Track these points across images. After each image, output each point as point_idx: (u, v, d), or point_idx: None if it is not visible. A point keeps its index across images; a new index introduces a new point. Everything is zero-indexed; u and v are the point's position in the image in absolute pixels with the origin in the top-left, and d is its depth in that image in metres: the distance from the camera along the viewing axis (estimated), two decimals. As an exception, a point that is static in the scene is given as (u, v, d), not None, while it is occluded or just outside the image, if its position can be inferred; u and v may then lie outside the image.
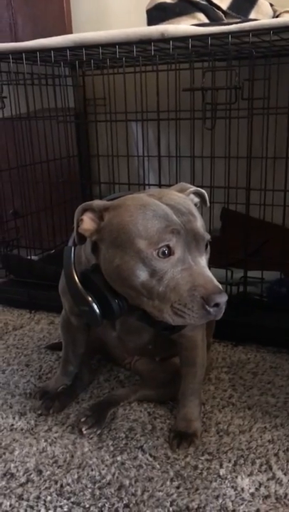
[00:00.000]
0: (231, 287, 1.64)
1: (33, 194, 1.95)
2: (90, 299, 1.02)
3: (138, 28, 1.45)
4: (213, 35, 1.36)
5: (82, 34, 1.53)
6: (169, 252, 0.93)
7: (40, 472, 1.08)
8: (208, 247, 1.00)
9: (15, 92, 1.86)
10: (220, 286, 0.93)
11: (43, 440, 1.18)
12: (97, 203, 1.00)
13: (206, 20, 1.58)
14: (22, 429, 1.23)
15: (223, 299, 0.91)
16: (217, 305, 0.91)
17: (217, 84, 1.45)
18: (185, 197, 1.04)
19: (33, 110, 1.97)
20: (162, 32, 1.39)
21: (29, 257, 1.99)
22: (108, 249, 0.98)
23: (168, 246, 0.92)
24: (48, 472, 1.08)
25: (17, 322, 1.83)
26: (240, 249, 1.65)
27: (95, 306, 1.01)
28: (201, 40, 1.41)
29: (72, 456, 1.12)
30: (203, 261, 0.97)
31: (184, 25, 1.41)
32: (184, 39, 1.39)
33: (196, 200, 1.11)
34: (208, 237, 0.99)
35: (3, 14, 2.27)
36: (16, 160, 1.94)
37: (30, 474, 1.07)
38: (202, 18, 1.60)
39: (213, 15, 1.62)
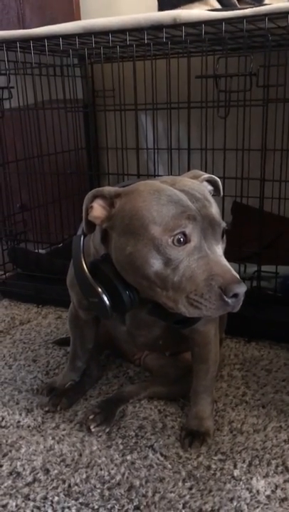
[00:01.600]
0: (244, 282, 1.59)
1: (41, 187, 1.91)
2: (99, 289, 0.97)
3: (150, 13, 1.40)
4: (227, 20, 1.31)
5: (92, 20, 1.49)
6: (185, 240, 0.88)
7: (47, 471, 1.04)
8: (225, 236, 0.96)
9: (22, 83, 1.82)
10: (238, 276, 0.88)
11: (50, 438, 1.14)
12: (108, 189, 0.96)
13: (219, 7, 1.53)
14: (29, 426, 1.19)
15: (242, 289, 0.86)
16: (236, 295, 0.86)
17: (230, 71, 1.40)
18: (199, 183, 1.00)
19: (40, 101, 1.94)
20: (174, 17, 1.35)
21: (36, 251, 1.96)
22: (120, 237, 0.93)
23: (184, 233, 0.88)
24: (56, 471, 1.04)
25: (24, 316, 1.79)
26: (252, 243, 1.61)
27: (105, 298, 0.97)
28: (215, 26, 1.36)
29: (80, 455, 1.09)
30: (219, 249, 0.92)
31: (197, 10, 1.36)
32: (196, 24, 1.35)
33: (210, 188, 1.06)
34: (224, 224, 0.94)
35: (11, 4, 2.23)
36: (24, 152, 1.90)
37: (37, 473, 1.04)
38: (215, 4, 1.55)
39: (227, 1, 1.57)
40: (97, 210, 0.96)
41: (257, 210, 1.58)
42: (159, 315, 1.01)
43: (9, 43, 1.62)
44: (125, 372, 1.42)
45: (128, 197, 0.94)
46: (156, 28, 1.39)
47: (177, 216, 0.88)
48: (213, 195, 1.01)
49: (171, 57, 1.53)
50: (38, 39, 1.56)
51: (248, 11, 1.28)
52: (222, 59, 1.38)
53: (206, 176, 1.04)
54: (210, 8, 1.51)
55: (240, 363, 1.44)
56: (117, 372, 1.42)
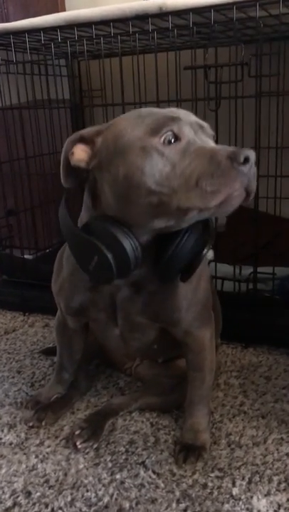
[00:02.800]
0: (240, 284, 1.53)
1: (27, 190, 1.83)
2: (98, 244, 0.86)
3: (134, 2, 1.33)
4: (216, 7, 1.24)
5: (74, 11, 1.42)
6: (176, 138, 0.81)
7: (28, 494, 0.95)
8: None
9: (5, 82, 1.75)
10: None
11: (33, 456, 1.06)
12: (86, 130, 0.89)
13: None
14: (11, 444, 1.11)
15: (251, 153, 0.78)
16: (247, 160, 0.78)
17: (220, 62, 1.34)
18: None
19: (25, 101, 1.87)
20: (160, 5, 1.28)
21: (23, 257, 1.88)
22: (110, 168, 0.85)
23: (172, 131, 0.81)
24: (38, 494, 0.95)
25: (9, 325, 1.71)
26: (248, 244, 1.54)
27: (107, 252, 0.85)
28: (203, 15, 1.29)
29: (65, 475, 1.00)
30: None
31: (184, -2, 1.29)
32: (183, 13, 1.28)
33: None
34: (212, 132, 0.88)
35: (-6, 2, 2.16)
36: (8, 153, 1.82)
37: (18, 497, 0.95)
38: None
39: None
40: (79, 154, 0.89)
41: (252, 210, 1.50)
42: (164, 272, 0.92)
43: (-11, 40, 1.55)
44: (115, 382, 1.34)
45: (110, 127, 0.88)
46: (142, 17, 1.32)
47: (160, 119, 0.82)
48: None
49: (160, 52, 1.46)
50: (18, 33, 1.48)
51: (238, -4, 1.21)
52: (211, 49, 1.31)
53: None
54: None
55: (238, 371, 1.36)
56: (107, 383, 1.34)
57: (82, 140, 0.89)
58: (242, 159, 0.77)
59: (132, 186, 0.82)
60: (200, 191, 0.78)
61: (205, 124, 0.88)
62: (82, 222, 0.95)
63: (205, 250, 0.93)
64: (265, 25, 1.32)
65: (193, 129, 0.84)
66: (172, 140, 0.81)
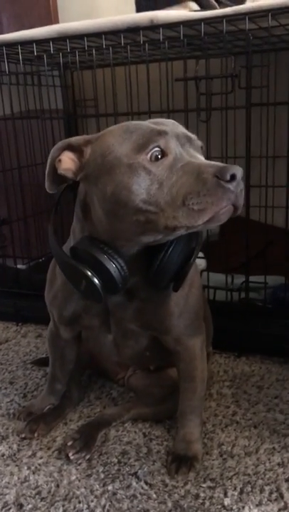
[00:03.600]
0: (232, 293, 1.53)
1: (20, 200, 1.83)
2: (84, 270, 0.88)
3: (126, 15, 1.35)
4: (206, 20, 1.26)
5: (66, 24, 1.43)
6: (162, 154, 0.81)
7: (20, 506, 0.95)
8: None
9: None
10: None
11: (25, 467, 1.05)
12: (75, 138, 0.89)
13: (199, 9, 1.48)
14: (3, 455, 1.10)
15: (238, 170, 0.78)
16: (233, 177, 0.78)
17: (212, 73, 1.35)
18: None
19: (18, 111, 1.88)
20: (151, 18, 1.29)
21: (15, 266, 1.87)
22: (97, 184, 0.85)
23: (159, 147, 0.81)
24: (30, 506, 0.95)
25: (2, 336, 1.70)
26: (240, 253, 1.54)
27: (91, 275, 0.87)
28: (193, 27, 1.30)
29: (57, 486, 1.00)
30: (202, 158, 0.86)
31: (175, 11, 1.31)
32: (174, 26, 1.29)
33: None
34: (201, 143, 0.88)
35: (-12, 14, 2.17)
36: (1, 163, 1.83)
37: (10, 509, 0.94)
38: (194, 7, 1.50)
39: (206, 4, 1.52)
40: (67, 162, 0.89)
41: (244, 219, 1.51)
42: (153, 281, 0.93)
43: (-18, 51, 1.56)
44: (108, 393, 1.34)
45: (98, 139, 0.88)
46: (133, 30, 1.33)
47: (147, 134, 0.82)
48: None
49: (152, 63, 1.47)
50: (11, 45, 1.50)
51: (228, 9, 1.23)
52: (202, 60, 1.32)
53: None
54: (189, 10, 1.46)
55: (230, 380, 1.36)
56: (100, 393, 1.34)
57: (70, 148, 0.89)
58: (228, 177, 0.77)
59: (120, 204, 0.82)
60: (187, 210, 0.79)
61: (193, 136, 0.87)
62: (75, 236, 0.96)
63: (193, 258, 0.93)
64: (254, 37, 1.34)
65: (180, 142, 0.84)
66: (159, 156, 0.81)
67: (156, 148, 0.81)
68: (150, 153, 0.81)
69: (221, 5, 1.53)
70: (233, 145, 1.49)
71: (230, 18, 1.24)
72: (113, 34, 1.37)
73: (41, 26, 1.48)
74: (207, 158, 1.30)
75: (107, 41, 1.41)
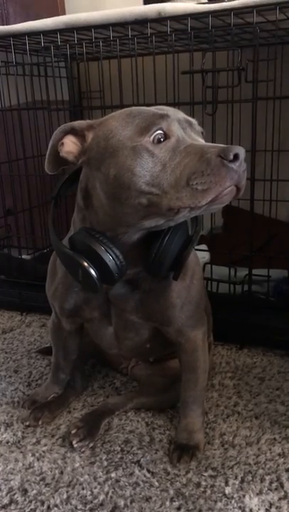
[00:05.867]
0: (235, 286, 1.54)
1: (26, 190, 1.84)
2: (80, 260, 0.90)
3: (133, 7, 1.35)
4: (214, 13, 1.26)
5: (74, 15, 1.43)
6: (165, 136, 0.82)
7: (25, 491, 0.97)
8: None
9: (5, 83, 1.76)
10: None
11: (30, 454, 1.07)
12: (78, 122, 0.91)
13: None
14: (8, 442, 1.12)
15: (240, 150, 0.79)
16: (236, 157, 0.78)
17: (218, 66, 1.35)
18: None
19: (24, 102, 1.88)
20: (159, 10, 1.29)
21: (20, 257, 1.89)
22: (100, 167, 0.86)
23: (162, 130, 0.82)
24: (34, 491, 0.97)
25: (7, 325, 1.72)
26: (243, 246, 1.55)
27: (88, 266, 0.89)
28: (201, 20, 1.30)
29: (61, 473, 1.02)
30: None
31: (183, 3, 1.30)
32: (182, 18, 1.29)
33: None
34: (201, 129, 0.89)
35: (-6, 4, 2.17)
36: (7, 154, 1.83)
37: (14, 494, 0.96)
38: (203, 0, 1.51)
39: (215, -4, 1.52)
40: (69, 145, 0.90)
41: (248, 213, 1.52)
42: (154, 270, 0.94)
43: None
44: (112, 382, 1.35)
45: (101, 124, 0.89)
46: (141, 22, 1.33)
47: (150, 117, 0.83)
48: None
49: (158, 55, 1.47)
50: (19, 36, 1.50)
51: (236, 2, 1.22)
52: (209, 53, 1.32)
53: None
54: (197, 3, 1.46)
55: (232, 371, 1.37)
56: (103, 382, 1.35)
57: (73, 132, 0.90)
58: (231, 157, 0.78)
59: (123, 187, 0.83)
60: (190, 190, 0.79)
61: (193, 121, 0.89)
62: (75, 227, 0.98)
63: (190, 245, 0.94)
64: (262, 30, 1.34)
65: (181, 126, 0.85)
66: (162, 139, 0.82)
67: (159, 131, 0.82)
68: (153, 136, 0.82)
69: (229, -2, 1.54)
70: (238, 138, 1.49)
71: (237, 11, 1.24)
72: (120, 26, 1.37)
73: (48, 17, 1.48)
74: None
75: (114, 33, 1.41)
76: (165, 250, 0.91)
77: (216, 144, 0.82)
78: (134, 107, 0.89)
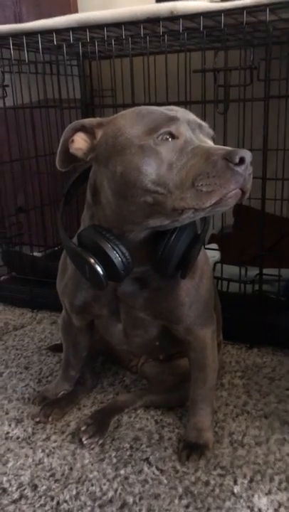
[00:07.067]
0: (245, 285, 1.54)
1: (37, 188, 1.85)
2: (87, 257, 0.91)
3: (146, 5, 1.35)
4: (226, 12, 1.25)
5: (86, 13, 1.43)
6: (173, 137, 0.83)
7: (35, 487, 0.98)
8: None
9: (18, 81, 1.77)
10: None
11: (40, 450, 1.08)
12: (89, 120, 0.92)
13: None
14: (18, 438, 1.13)
15: (247, 153, 0.79)
16: (242, 160, 0.78)
17: (230, 66, 1.35)
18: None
19: (36, 100, 1.89)
20: (171, 9, 1.29)
21: (32, 254, 1.90)
22: (108, 164, 0.87)
23: (170, 131, 0.83)
24: (44, 487, 0.98)
25: (18, 322, 1.73)
26: (254, 245, 1.55)
27: (94, 263, 0.90)
28: (213, 19, 1.30)
29: (70, 469, 1.02)
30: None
31: (195, 2, 1.30)
32: (194, 17, 1.29)
33: None
34: (212, 132, 0.89)
35: (7, 2, 2.18)
36: (19, 152, 1.84)
37: (24, 489, 0.97)
38: (215, -2, 1.50)
39: (227, -5, 1.51)
40: (79, 142, 0.92)
41: (259, 212, 1.52)
42: (160, 269, 0.94)
43: (2, 40, 1.57)
44: (121, 380, 1.36)
45: (110, 122, 0.90)
46: (153, 20, 1.33)
47: (159, 119, 0.84)
48: None
49: (170, 53, 1.47)
50: (31, 34, 1.51)
51: (249, 0, 1.22)
52: (221, 52, 1.32)
53: None
54: (210, 1, 1.46)
55: (242, 371, 1.37)
56: (113, 380, 1.36)
57: (83, 129, 0.92)
58: (237, 160, 0.78)
59: (129, 184, 0.84)
60: (195, 191, 0.80)
61: (204, 124, 0.89)
62: (84, 225, 0.99)
63: (198, 244, 0.94)
64: (275, 28, 1.33)
65: (191, 127, 0.85)
66: (170, 139, 0.82)
67: (167, 132, 0.82)
68: (161, 136, 0.82)
69: (242, -4, 1.53)
70: (249, 137, 1.49)
71: (250, 10, 1.24)
72: (133, 24, 1.38)
73: (60, 15, 1.49)
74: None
75: (126, 31, 1.42)
76: (172, 249, 0.91)
77: (223, 147, 0.82)
78: (143, 107, 0.89)
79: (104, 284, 0.92)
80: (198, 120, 0.88)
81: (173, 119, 0.83)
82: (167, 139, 0.82)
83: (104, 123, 0.90)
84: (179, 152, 0.82)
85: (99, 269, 0.90)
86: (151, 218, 0.86)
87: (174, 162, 0.82)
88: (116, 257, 0.89)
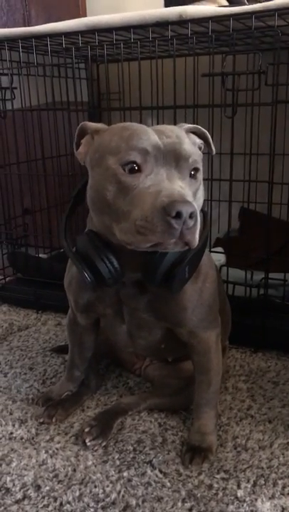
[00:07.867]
0: (251, 289, 1.54)
1: (44, 190, 1.86)
2: (78, 263, 0.95)
3: (155, 9, 1.35)
4: (235, 16, 1.26)
5: (95, 17, 1.44)
6: (138, 170, 0.84)
7: (38, 487, 0.98)
8: (199, 174, 0.89)
9: (26, 84, 1.78)
10: (189, 199, 0.81)
11: (43, 451, 1.08)
12: (90, 124, 0.96)
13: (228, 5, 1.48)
14: (22, 438, 1.13)
15: (186, 207, 0.77)
16: (179, 215, 0.78)
17: (238, 70, 1.35)
18: (177, 127, 0.95)
19: (44, 103, 1.90)
20: (180, 13, 1.30)
21: (37, 255, 1.91)
22: (91, 172, 0.93)
23: (135, 163, 0.84)
24: (47, 488, 0.98)
25: (23, 323, 1.74)
26: (260, 250, 1.55)
27: (84, 269, 0.94)
28: (222, 23, 1.31)
29: (74, 470, 1.02)
30: (181, 183, 0.85)
31: (204, 6, 1.31)
32: (203, 21, 1.29)
33: (199, 141, 0.99)
34: (193, 160, 0.87)
35: (17, 4, 2.20)
36: (26, 154, 1.85)
37: (28, 490, 0.97)
38: (223, 2, 1.51)
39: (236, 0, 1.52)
40: (83, 145, 0.97)
41: (265, 216, 1.52)
42: (149, 278, 0.94)
43: (12, 42, 1.58)
44: (125, 382, 1.36)
45: (103, 133, 0.93)
46: (162, 24, 1.34)
47: (129, 147, 0.85)
48: (204, 153, 0.98)
49: (178, 57, 1.47)
50: (40, 37, 1.52)
51: (257, 5, 1.23)
52: (229, 56, 1.32)
53: (191, 126, 0.99)
54: (218, 6, 1.46)
55: (246, 375, 1.37)
56: (117, 382, 1.36)
57: (87, 132, 0.96)
58: (173, 213, 0.78)
59: (98, 196, 0.89)
60: (134, 228, 0.81)
61: (186, 155, 0.86)
62: (87, 226, 1.01)
63: (187, 260, 0.92)
64: (283, 33, 1.33)
65: (165, 161, 0.84)
66: (136, 168, 0.84)
67: (132, 164, 0.84)
68: (125, 166, 0.84)
69: (250, 1, 1.54)
70: (256, 141, 1.49)
71: (259, 14, 1.25)
72: (141, 28, 1.38)
73: (69, 19, 1.50)
74: (231, 154, 1.31)
75: (135, 35, 1.42)
76: (158, 260, 0.91)
77: (176, 192, 0.81)
78: (132, 126, 0.89)
79: (93, 288, 0.97)
80: (181, 151, 0.86)
81: (141, 152, 0.84)
82: (132, 168, 0.84)
83: (100, 131, 0.94)
84: (136, 186, 0.83)
85: (86, 275, 0.94)
86: (115, 233, 0.88)
87: (128, 194, 0.83)
88: (102, 265, 0.93)
